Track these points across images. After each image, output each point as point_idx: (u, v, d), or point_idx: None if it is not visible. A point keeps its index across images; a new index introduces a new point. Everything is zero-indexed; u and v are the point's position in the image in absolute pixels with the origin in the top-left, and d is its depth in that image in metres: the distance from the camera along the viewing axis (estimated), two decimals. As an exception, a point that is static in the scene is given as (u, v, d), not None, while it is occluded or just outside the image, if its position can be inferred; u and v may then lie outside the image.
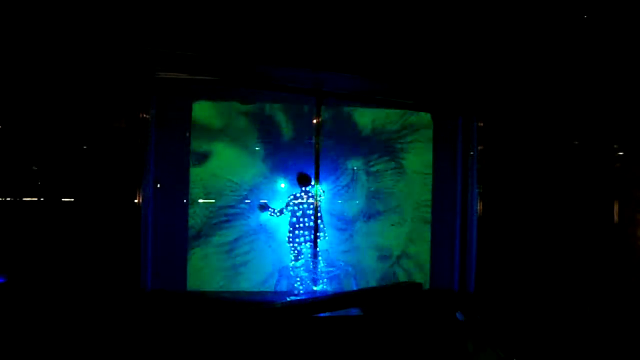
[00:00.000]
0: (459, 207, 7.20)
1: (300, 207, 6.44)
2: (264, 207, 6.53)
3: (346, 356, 4.36)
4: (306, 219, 6.44)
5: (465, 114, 7.15)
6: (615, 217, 6.79)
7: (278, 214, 6.48)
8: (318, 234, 6.47)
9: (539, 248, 6.62)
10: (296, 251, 6.45)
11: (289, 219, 6.49)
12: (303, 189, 6.48)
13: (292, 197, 6.48)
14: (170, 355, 4.30)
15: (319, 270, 6.50)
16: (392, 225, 7.16)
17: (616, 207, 6.79)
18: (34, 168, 5.98)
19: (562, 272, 6.58)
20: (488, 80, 6.53)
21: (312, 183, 6.54)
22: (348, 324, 5.03)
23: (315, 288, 6.45)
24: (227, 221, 6.74)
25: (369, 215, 7.12)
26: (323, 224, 6.54)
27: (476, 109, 6.98)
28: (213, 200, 6.72)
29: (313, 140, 6.76)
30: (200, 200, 6.68)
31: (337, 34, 5.76)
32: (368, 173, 7.16)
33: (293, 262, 6.48)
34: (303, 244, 6.43)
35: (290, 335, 4.41)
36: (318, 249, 6.51)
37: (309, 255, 6.49)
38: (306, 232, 6.45)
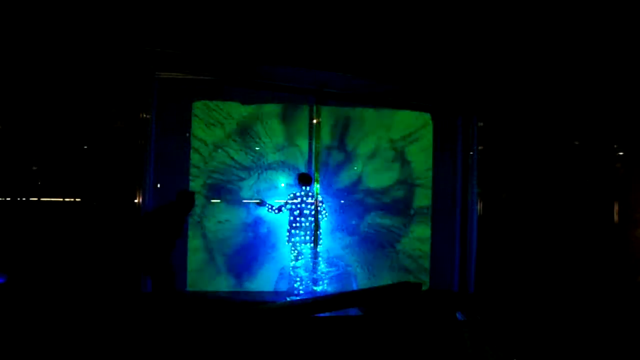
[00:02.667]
0: (459, 207, 7.19)
1: (298, 206, 6.44)
2: (261, 203, 6.52)
3: (346, 356, 4.36)
4: (303, 219, 6.42)
5: (465, 114, 7.14)
6: (615, 217, 6.79)
7: (276, 211, 6.47)
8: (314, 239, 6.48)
9: (539, 248, 6.62)
10: (296, 251, 6.44)
11: (288, 217, 6.49)
12: (303, 188, 6.47)
13: (291, 195, 6.48)
14: (170, 355, 4.30)
15: (319, 270, 6.49)
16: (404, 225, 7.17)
17: (616, 207, 6.79)
18: (34, 168, 5.99)
19: (562, 272, 6.58)
20: (488, 80, 6.53)
21: (312, 183, 6.54)
22: (348, 324, 5.03)
23: (315, 288, 6.44)
24: (227, 221, 6.73)
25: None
26: (320, 232, 6.55)
27: (476, 109, 6.98)
28: (218, 200, 6.73)
29: (313, 140, 6.76)
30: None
31: (337, 34, 5.76)
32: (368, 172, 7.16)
33: (293, 262, 6.47)
34: (302, 244, 6.41)
35: (290, 335, 4.41)
36: (318, 249, 6.52)
37: (310, 256, 6.48)
38: (301, 233, 6.42)
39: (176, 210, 5.47)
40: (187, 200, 5.58)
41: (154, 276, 5.41)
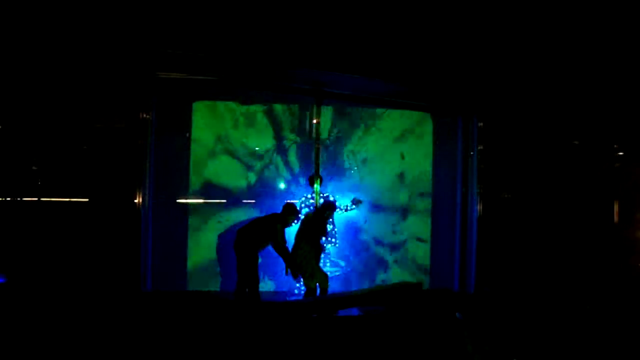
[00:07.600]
0: (459, 207, 7.19)
1: (313, 207, 6.47)
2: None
3: (346, 356, 4.37)
4: None
5: (465, 114, 7.15)
6: (615, 217, 6.78)
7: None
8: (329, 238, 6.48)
9: (539, 248, 6.62)
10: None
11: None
12: (313, 189, 6.50)
13: (302, 199, 6.47)
14: (170, 355, 4.30)
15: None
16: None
17: (616, 207, 6.79)
18: (34, 168, 5.99)
19: (562, 272, 6.58)
20: (488, 80, 6.53)
21: (321, 183, 6.54)
22: (348, 324, 5.03)
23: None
24: (227, 220, 6.73)
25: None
26: (335, 231, 6.54)
27: (476, 109, 6.98)
28: (224, 201, 6.72)
29: (313, 140, 6.77)
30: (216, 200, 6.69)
31: (338, 34, 5.76)
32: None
33: None
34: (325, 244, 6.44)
35: (290, 335, 4.41)
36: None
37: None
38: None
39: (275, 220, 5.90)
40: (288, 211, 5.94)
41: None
